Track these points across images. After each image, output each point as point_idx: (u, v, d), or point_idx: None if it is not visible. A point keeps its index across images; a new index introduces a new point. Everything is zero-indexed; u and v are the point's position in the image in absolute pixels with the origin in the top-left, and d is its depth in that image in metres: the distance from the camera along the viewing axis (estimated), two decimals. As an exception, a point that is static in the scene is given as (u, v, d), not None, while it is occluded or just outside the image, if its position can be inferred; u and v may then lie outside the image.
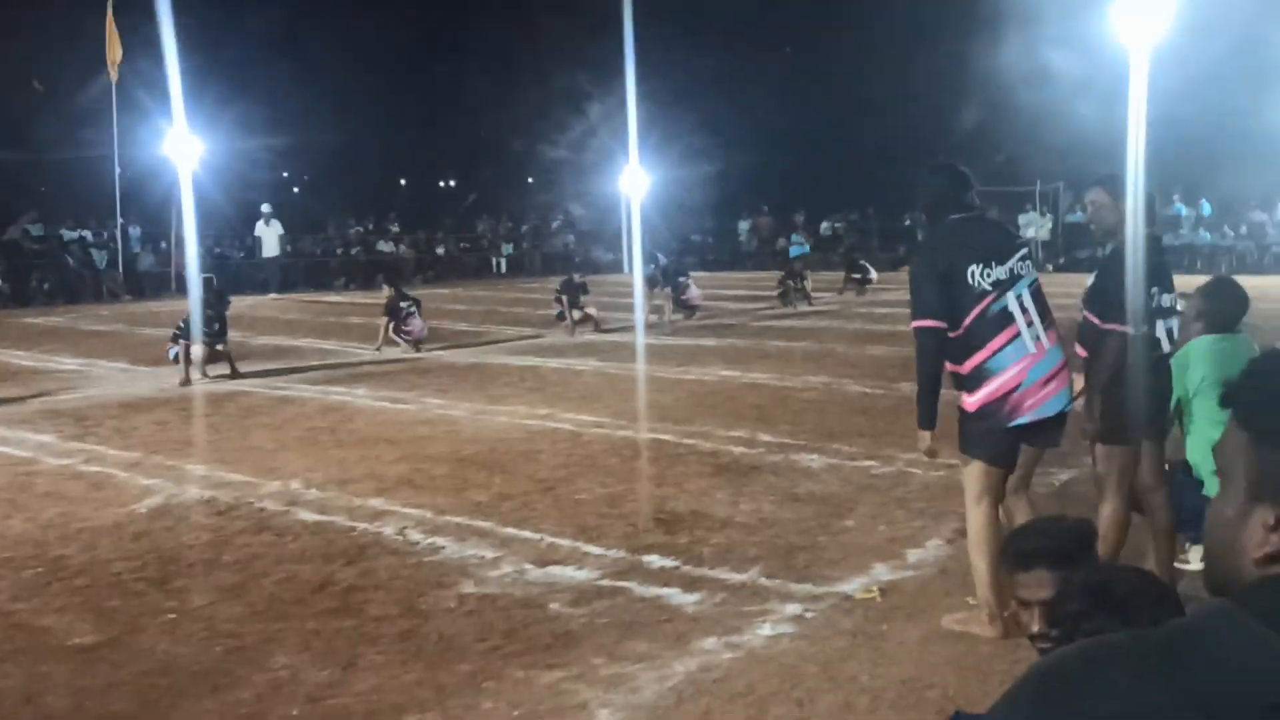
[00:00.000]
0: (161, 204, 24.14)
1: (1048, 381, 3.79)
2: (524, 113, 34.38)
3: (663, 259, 17.28)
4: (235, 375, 11.25)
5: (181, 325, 11.15)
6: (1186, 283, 4.83)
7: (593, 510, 5.86)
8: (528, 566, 4.97)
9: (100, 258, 23.63)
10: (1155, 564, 4.22)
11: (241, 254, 25.20)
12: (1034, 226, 27.94)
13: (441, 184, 47.13)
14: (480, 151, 39.73)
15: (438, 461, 7.09)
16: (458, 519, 5.75)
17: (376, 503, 6.11)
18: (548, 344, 13.69)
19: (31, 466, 7.21)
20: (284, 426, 8.49)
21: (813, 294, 19.06)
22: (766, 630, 4.10)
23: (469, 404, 9.24)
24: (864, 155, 32.81)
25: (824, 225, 31.01)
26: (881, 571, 4.73)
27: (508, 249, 30.76)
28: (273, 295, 22.93)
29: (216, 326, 11.36)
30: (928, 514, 5.60)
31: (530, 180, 38.66)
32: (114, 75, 23.39)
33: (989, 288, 3.77)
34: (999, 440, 3.83)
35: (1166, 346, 4.09)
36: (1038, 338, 3.80)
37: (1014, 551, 2.33)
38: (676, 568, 4.90)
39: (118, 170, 23.97)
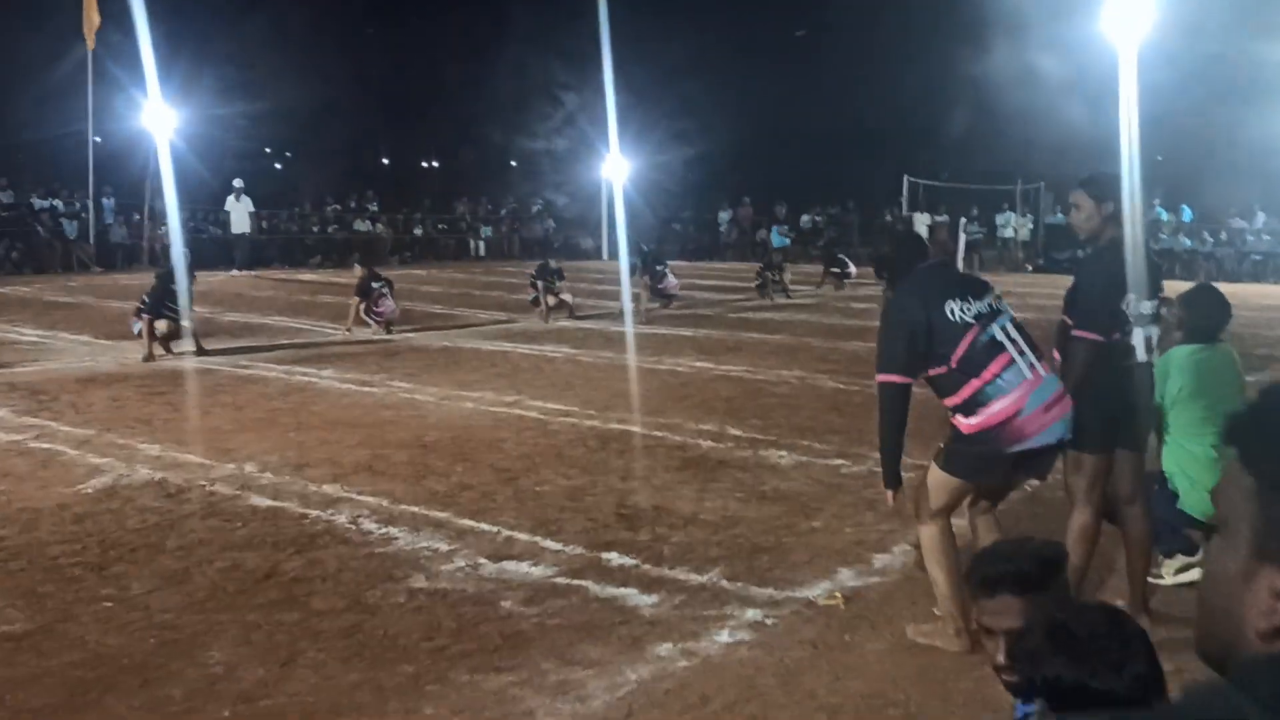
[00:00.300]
0: (137, 176, 23.75)
1: (1049, 408, 3.68)
2: (502, 101, 34.14)
3: (644, 247, 17.14)
4: (201, 352, 11.02)
5: (146, 299, 10.90)
6: (1166, 288, 4.71)
7: (554, 503, 5.70)
8: (482, 561, 4.81)
9: (71, 228, 23.20)
10: (1128, 577, 4.11)
11: (218, 229, 24.76)
12: (1012, 226, 27.93)
13: (425, 164, 46.77)
14: (460, 134, 39.43)
15: (399, 448, 6.91)
16: (414, 508, 5.58)
17: (332, 489, 5.93)
18: (520, 329, 13.50)
19: (-22, 441, 6.98)
20: (245, 407, 8.28)
21: (791, 287, 18.92)
22: (724, 637, 3.95)
23: (436, 389, 9.06)
24: (847, 149, 32.73)
25: (804, 218, 30.90)
26: (846, 576, 4.59)
27: (486, 232, 30.49)
28: (235, 272, 22.55)
29: (182, 302, 11.11)
30: (896, 517, 5.46)
31: (514, 164, 38.36)
32: (91, 43, 22.97)
33: (971, 320, 3.70)
34: (991, 465, 3.70)
35: (1143, 355, 3.95)
36: (1032, 365, 3.71)
37: (978, 576, 2.18)
38: (636, 566, 4.74)
39: (92, 140, 23.57)
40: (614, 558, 4.85)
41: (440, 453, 6.79)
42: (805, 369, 10.31)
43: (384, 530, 5.23)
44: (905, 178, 29.63)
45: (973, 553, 3.89)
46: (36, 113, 26.65)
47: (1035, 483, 5.90)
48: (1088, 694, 1.61)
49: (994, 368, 3.64)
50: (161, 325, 10.70)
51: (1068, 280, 4.28)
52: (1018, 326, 3.80)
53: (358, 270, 13.50)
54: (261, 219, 25.96)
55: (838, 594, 4.35)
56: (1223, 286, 4.88)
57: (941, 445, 3.85)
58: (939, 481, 3.78)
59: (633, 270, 16.35)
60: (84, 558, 4.82)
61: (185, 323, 10.91)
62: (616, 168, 26.51)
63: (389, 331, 12.84)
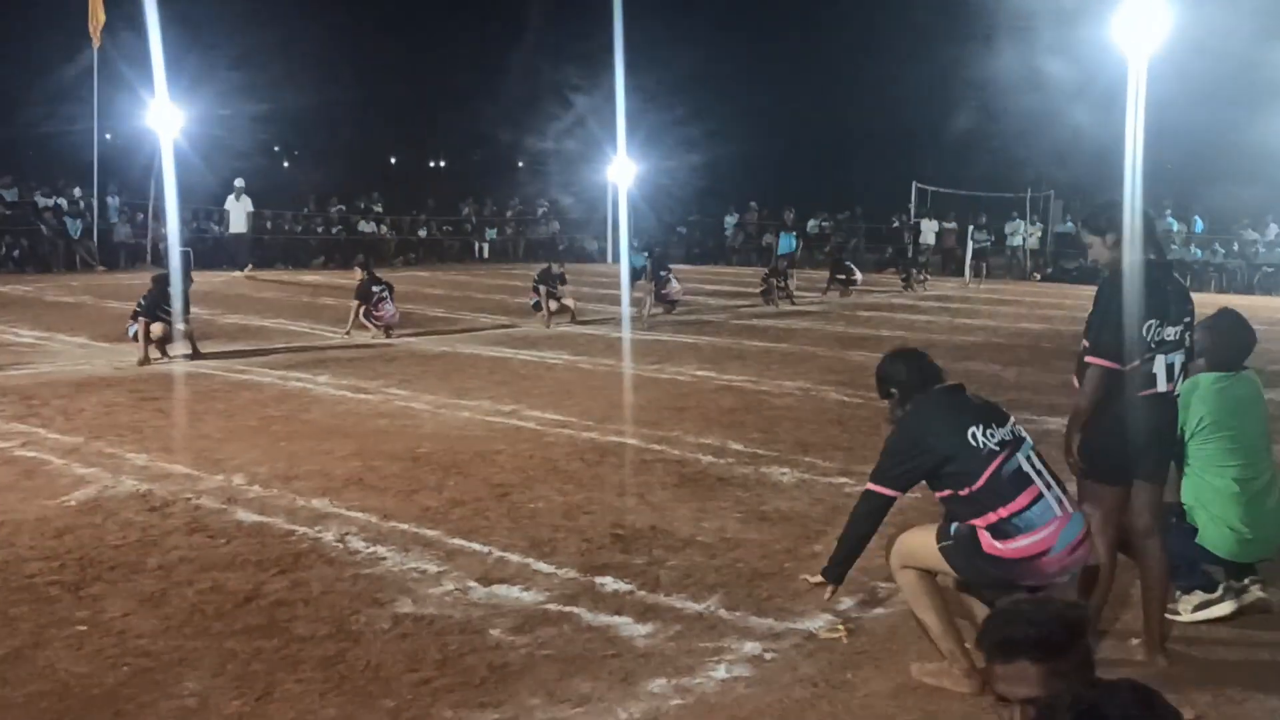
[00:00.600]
0: (142, 174, 23.63)
1: (1074, 549, 3.52)
2: (511, 102, 34.03)
3: (655, 249, 17.02)
4: (196, 356, 10.87)
5: (142, 302, 10.75)
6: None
7: (548, 521, 5.53)
8: (472, 584, 4.64)
9: (75, 226, 23.08)
10: (1144, 613, 3.93)
11: (220, 229, 24.60)
12: (1021, 234, 27.71)
13: (432, 165, 46.72)
14: (470, 135, 39.35)
15: (392, 459, 6.75)
16: (404, 525, 5.41)
17: (320, 504, 5.77)
18: (521, 335, 13.33)
19: (-38, 449, 6.83)
20: (237, 414, 8.12)
21: (796, 294, 18.75)
22: (721, 673, 3.78)
23: (432, 396, 8.89)
24: (854, 155, 32.58)
25: (811, 223, 30.71)
26: (850, 607, 4.41)
27: (491, 234, 30.35)
28: (238, 272, 22.38)
29: (179, 304, 10.96)
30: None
31: (520, 165, 38.25)
32: (96, 41, 22.86)
33: (996, 447, 3.51)
34: (997, 586, 3.48)
35: (1164, 383, 3.77)
36: (1059, 500, 3.52)
37: (993, 640, 2.00)
38: (630, 593, 4.57)
39: (97, 138, 23.46)
40: (608, 582, 4.68)
41: (433, 465, 6.62)
42: (809, 379, 10.13)
43: (372, 549, 5.06)
44: (914, 184, 29.45)
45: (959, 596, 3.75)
46: (41, 110, 26.54)
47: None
48: None
49: (1022, 500, 3.45)
50: (157, 329, 10.55)
51: (1077, 290, 4.13)
52: (1040, 456, 3.62)
53: (358, 273, 13.36)
54: (265, 219, 25.83)
55: (840, 626, 4.17)
56: (1233, 300, 4.70)
57: (950, 528, 3.60)
58: (929, 557, 3.61)
59: (638, 275, 16.21)
60: (61, 576, 4.66)
61: (180, 326, 10.75)
62: (623, 170, 26.35)
63: (388, 335, 12.69)
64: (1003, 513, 3.44)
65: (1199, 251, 25.43)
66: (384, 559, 4.95)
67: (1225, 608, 4.21)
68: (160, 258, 21.58)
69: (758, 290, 18.65)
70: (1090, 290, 3.97)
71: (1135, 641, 4.02)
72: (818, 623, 4.24)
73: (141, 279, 15.16)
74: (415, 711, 3.50)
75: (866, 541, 3.75)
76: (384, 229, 28.27)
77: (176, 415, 8.16)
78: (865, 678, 3.77)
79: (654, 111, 27.80)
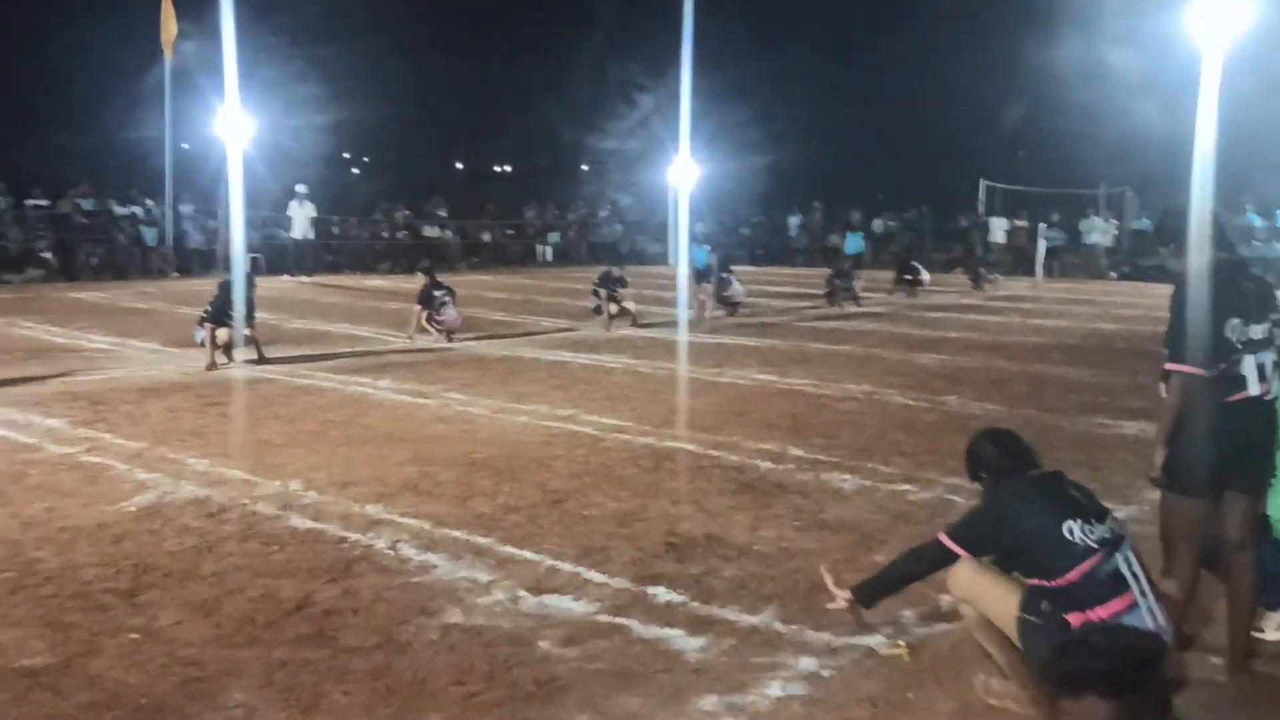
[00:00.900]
0: (213, 181, 24.08)
1: None
2: (577, 102, 34.08)
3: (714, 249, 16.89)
4: (262, 360, 10.98)
5: (209, 308, 10.90)
6: None
7: (601, 529, 5.43)
8: (522, 594, 4.56)
9: (150, 234, 23.61)
10: (1228, 631, 3.71)
11: (284, 234, 24.99)
12: (1097, 232, 26.99)
13: (497, 168, 47.06)
14: (536, 139, 39.52)
15: (447, 465, 6.71)
16: (456, 533, 5.35)
17: (374, 510, 5.74)
18: (581, 338, 13.28)
19: (32, 454, 6.93)
20: (297, 419, 8.16)
21: (861, 295, 18.46)
22: (775, 690, 3.65)
23: (490, 401, 8.86)
24: (921, 153, 32.07)
25: (876, 223, 30.28)
26: (911, 621, 4.25)
27: (554, 237, 30.42)
28: (300, 277, 22.72)
29: (244, 310, 11.08)
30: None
31: (585, 168, 38.31)
32: (169, 53, 23.37)
33: (1094, 545, 3.26)
34: None
35: (1255, 386, 3.54)
36: (1151, 610, 3.27)
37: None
38: (684, 604, 4.46)
39: (177, 146, 23.97)
40: (661, 593, 4.57)
41: (488, 471, 6.57)
42: (873, 383, 9.92)
43: (423, 557, 5.01)
44: (981, 181, 28.89)
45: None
46: (117, 120, 27.19)
47: (1121, 514, 5.51)
48: None
49: (1115, 605, 3.21)
50: (223, 334, 10.68)
51: (1154, 289, 3.94)
52: (1137, 555, 3.37)
53: (420, 278, 13.42)
54: (333, 225, 26.19)
55: (901, 643, 4.01)
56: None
57: (1039, 603, 3.31)
58: (1001, 615, 3.38)
59: (702, 272, 16.07)
60: (116, 583, 4.68)
61: (245, 331, 10.87)
62: (686, 172, 26.23)
63: (450, 340, 12.72)
64: (1091, 615, 3.21)
65: (1282, 247, 24.53)
66: (435, 567, 4.89)
67: (1314, 627, 3.97)
68: (231, 263, 21.98)
69: (822, 291, 18.41)
70: (1168, 289, 3.77)
71: (1217, 660, 3.81)
72: (877, 638, 4.08)
73: (212, 285, 15.43)
74: (460, 726, 3.42)
75: (912, 583, 3.67)
76: (448, 233, 28.49)
77: (238, 420, 8.23)
78: (927, 697, 3.61)
79: (718, 113, 27.62)
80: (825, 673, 3.79)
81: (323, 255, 25.38)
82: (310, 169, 27.24)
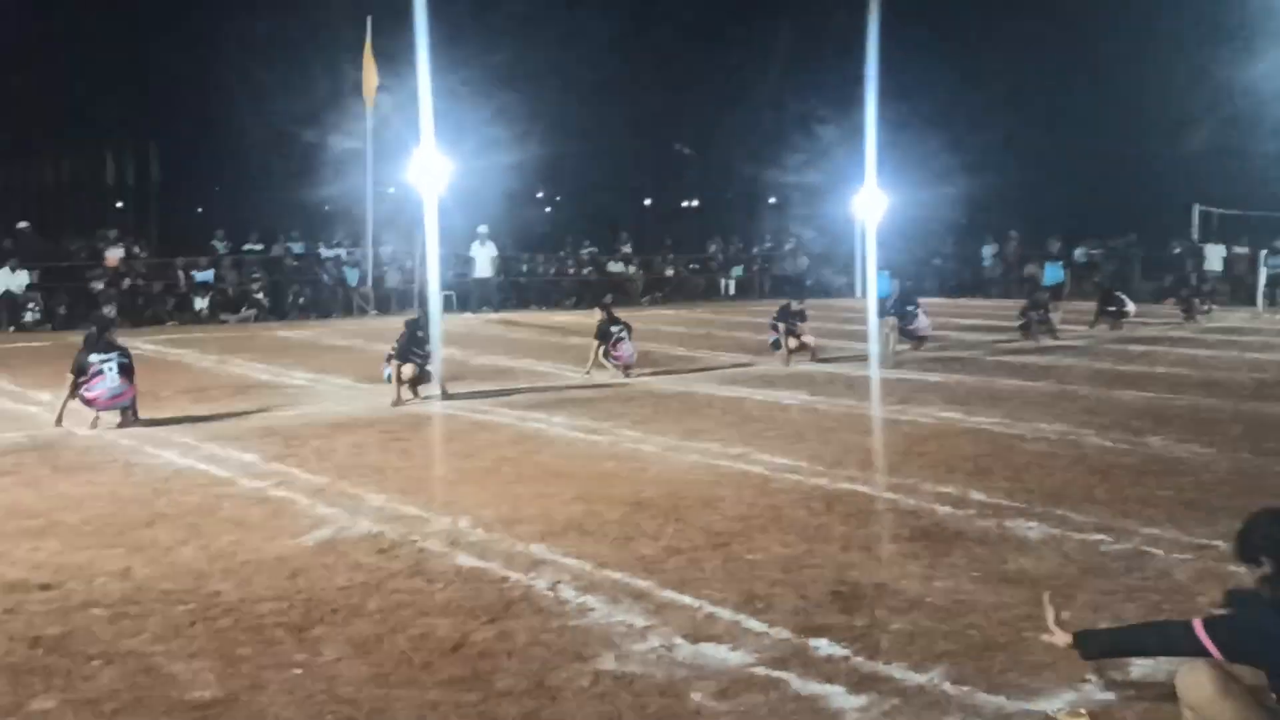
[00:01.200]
0: (410, 224, 25.20)
1: None
2: (763, 139, 34.02)
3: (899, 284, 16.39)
4: (445, 396, 11.30)
5: (397, 345, 11.31)
6: None
7: (764, 575, 5.25)
8: (678, 641, 4.43)
9: (352, 274, 24.92)
10: None
11: (467, 274, 25.85)
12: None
13: (684, 204, 47.52)
14: (722, 173, 39.69)
15: (613, 504, 6.66)
16: (616, 574, 5.28)
17: (538, 549, 5.74)
18: (759, 373, 13.09)
19: (225, 488, 7.30)
20: (472, 455, 8.32)
21: (1059, 327, 17.52)
22: (938, 760, 3.38)
23: (662, 438, 8.79)
24: (1127, 178, 30.33)
25: (1078, 251, 28.75)
26: (1095, 689, 3.87)
27: (737, 271, 30.33)
28: (473, 314, 23.46)
29: (428, 347, 11.45)
30: (1165, 609, 4.64)
31: (772, 201, 38.15)
32: (370, 103, 24.69)
33: None
34: None
35: None
36: None
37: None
38: (846, 658, 4.22)
39: (383, 192, 25.27)
40: (823, 645, 4.35)
41: (654, 511, 6.48)
42: (1068, 422, 9.32)
43: (581, 599, 4.95)
44: (1195, 206, 27.08)
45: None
46: (324, 169, 28.88)
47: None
48: None
49: None
50: (408, 370, 11.06)
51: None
52: None
53: (598, 313, 13.57)
54: (520, 263, 26.96)
55: (1083, 711, 3.66)
56: None
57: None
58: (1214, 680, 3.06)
59: (886, 304, 15.60)
60: (288, 617, 4.82)
61: (430, 367, 11.22)
62: (873, 203, 25.69)
63: (627, 375, 12.78)
64: None
65: None
66: (592, 610, 4.82)
67: None
68: (426, 303, 22.92)
69: (1015, 324, 17.58)
70: None
71: None
72: (1057, 703, 3.74)
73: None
74: (602, 782, 3.31)
75: (1143, 656, 3.44)
76: (632, 268, 28.84)
77: (417, 456, 8.45)
78: (1110, 778, 3.27)
79: (905, 142, 26.94)
80: (996, 744, 3.50)
81: (509, 292, 26.12)
82: (499, 208, 28.15)
